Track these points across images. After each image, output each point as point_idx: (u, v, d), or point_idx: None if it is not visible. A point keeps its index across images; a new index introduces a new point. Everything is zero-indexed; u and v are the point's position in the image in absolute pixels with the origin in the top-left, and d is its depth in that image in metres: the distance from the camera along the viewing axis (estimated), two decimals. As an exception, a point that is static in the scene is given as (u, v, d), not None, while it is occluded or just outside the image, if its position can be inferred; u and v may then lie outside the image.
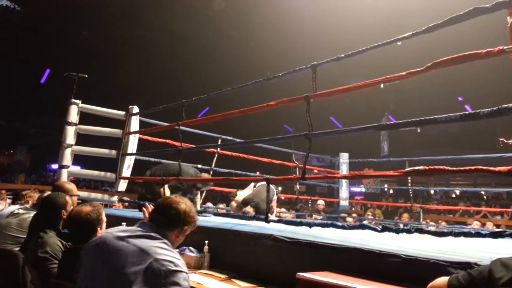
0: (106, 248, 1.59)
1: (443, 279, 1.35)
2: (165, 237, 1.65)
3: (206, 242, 2.69)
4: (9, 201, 7.11)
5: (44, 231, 2.41)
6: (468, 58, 2.18)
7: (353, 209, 10.12)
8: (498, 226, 8.43)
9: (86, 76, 5.18)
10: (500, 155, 5.85)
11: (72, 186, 3.15)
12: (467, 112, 2.22)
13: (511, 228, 7.91)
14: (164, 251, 1.55)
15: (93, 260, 1.62)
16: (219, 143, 5.60)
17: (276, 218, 3.25)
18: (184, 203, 1.78)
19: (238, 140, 5.79)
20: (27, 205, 3.38)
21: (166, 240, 1.64)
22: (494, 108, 2.07)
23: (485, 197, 14.15)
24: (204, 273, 2.55)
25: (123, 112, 5.25)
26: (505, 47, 2.01)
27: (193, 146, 4.56)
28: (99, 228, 2.15)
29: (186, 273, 1.54)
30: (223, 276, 2.45)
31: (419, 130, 3.53)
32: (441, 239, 3.05)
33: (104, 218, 2.22)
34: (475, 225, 7.88)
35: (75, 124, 5.02)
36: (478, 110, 2.16)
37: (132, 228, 1.69)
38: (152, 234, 1.63)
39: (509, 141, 14.24)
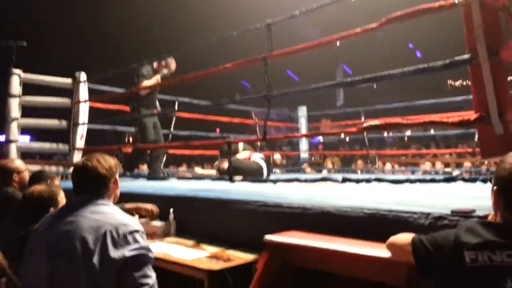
0: (58, 231, 1.51)
1: (406, 237, 1.39)
2: (105, 199, 1.63)
3: (171, 210, 2.68)
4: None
5: None
6: (422, 12, 2.20)
7: (313, 159, 10.37)
8: (447, 164, 8.97)
9: (25, 43, 4.82)
10: (449, 99, 6.12)
11: (17, 164, 2.98)
12: (421, 66, 2.26)
13: (459, 165, 8.44)
14: (115, 215, 1.54)
15: (46, 247, 1.52)
16: (176, 105, 5.45)
17: (241, 178, 3.27)
18: (95, 160, 1.67)
19: (196, 101, 5.69)
20: None
21: (110, 202, 1.63)
22: (447, 61, 2.12)
23: (434, 137, 14.86)
24: (171, 241, 2.55)
25: (69, 80, 4.98)
26: (456, 1, 2.03)
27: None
28: (52, 209, 2.00)
29: (141, 231, 1.53)
30: (191, 242, 2.46)
31: (375, 86, 3.59)
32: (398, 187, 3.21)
33: (62, 200, 2.11)
34: (427, 166, 8.38)
35: (18, 96, 4.71)
36: (431, 62, 2.22)
37: (75, 203, 1.61)
38: (97, 201, 1.59)
39: (457, 83, 14.86)
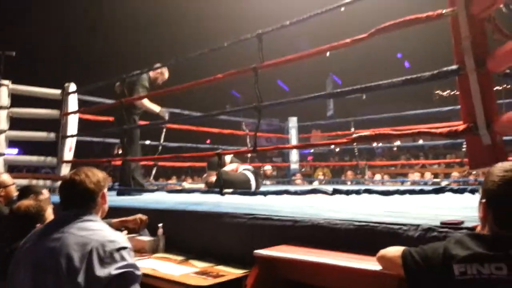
0: (44, 247, 1.48)
1: (396, 250, 1.38)
2: (92, 214, 1.61)
3: (160, 225, 2.63)
4: None
5: None
6: (410, 23, 2.22)
7: (303, 170, 10.37)
8: (436, 174, 9.03)
9: (14, 53, 4.76)
10: (438, 109, 6.17)
11: (3, 178, 2.97)
12: (409, 77, 2.27)
13: (448, 175, 8.50)
14: (102, 232, 1.51)
15: (31, 263, 1.49)
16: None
17: (231, 190, 3.23)
18: (83, 174, 1.66)
19: (186, 112, 5.67)
20: None
21: (97, 218, 1.61)
22: (435, 72, 2.14)
23: (423, 147, 14.97)
24: (160, 256, 2.49)
25: (58, 91, 4.92)
26: (443, 11, 2.06)
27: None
28: (39, 225, 1.96)
29: (128, 248, 1.50)
30: (179, 258, 2.41)
31: (364, 97, 3.60)
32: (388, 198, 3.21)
33: (49, 215, 2.07)
34: (416, 176, 8.45)
35: (7, 108, 4.65)
36: (419, 72, 2.23)
37: (62, 219, 1.58)
38: (84, 217, 1.56)
39: (444, 94, 15.04)
